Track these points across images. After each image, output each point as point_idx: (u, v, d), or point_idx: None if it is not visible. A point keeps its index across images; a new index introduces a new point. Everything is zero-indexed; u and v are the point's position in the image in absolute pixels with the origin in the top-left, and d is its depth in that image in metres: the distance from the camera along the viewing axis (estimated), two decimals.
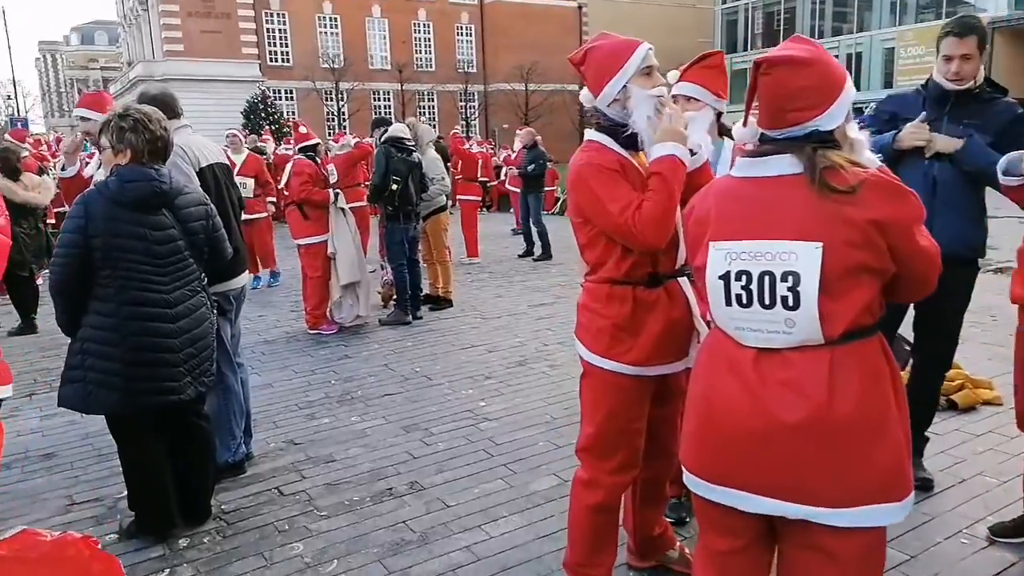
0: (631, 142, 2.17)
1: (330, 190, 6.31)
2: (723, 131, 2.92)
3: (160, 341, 2.77)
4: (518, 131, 13.50)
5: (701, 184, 2.18)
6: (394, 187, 6.14)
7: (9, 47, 21.37)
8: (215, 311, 3.07)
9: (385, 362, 5.35)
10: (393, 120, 7.01)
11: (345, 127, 39.86)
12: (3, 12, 21.88)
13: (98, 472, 3.58)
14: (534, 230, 9.89)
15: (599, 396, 2.22)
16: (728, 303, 1.62)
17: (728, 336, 1.66)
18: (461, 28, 49.40)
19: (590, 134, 2.22)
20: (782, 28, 49.27)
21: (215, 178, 3.43)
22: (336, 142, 12.80)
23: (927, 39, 40.45)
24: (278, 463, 3.64)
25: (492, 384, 4.76)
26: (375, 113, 44.41)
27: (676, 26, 60.67)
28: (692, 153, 2.22)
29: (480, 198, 10.46)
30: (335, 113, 42.04)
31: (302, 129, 6.84)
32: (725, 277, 1.61)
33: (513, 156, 13.22)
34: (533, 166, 9.67)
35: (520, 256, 10.14)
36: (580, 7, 53.77)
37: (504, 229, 13.19)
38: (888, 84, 42.21)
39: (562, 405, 4.30)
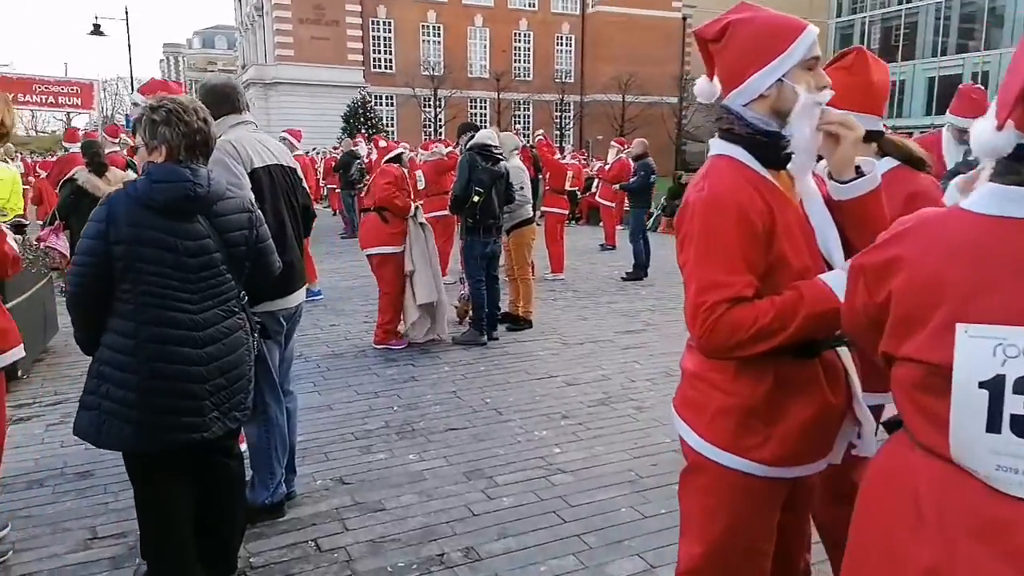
0: (775, 155, 1.58)
1: (411, 201, 5.93)
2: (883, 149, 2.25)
3: (183, 369, 2.37)
4: (613, 142, 12.91)
5: (874, 217, 1.56)
6: (476, 199, 5.70)
7: (129, 47, 22.63)
8: (255, 335, 2.66)
9: (454, 388, 4.88)
10: (482, 126, 6.55)
11: (441, 133, 40.32)
12: (127, 13, 23.13)
13: (128, 499, 3.23)
14: (631, 247, 9.25)
15: (714, 503, 1.61)
16: (994, 428, 1.00)
17: (966, 473, 1.05)
18: (561, 38, 49.20)
19: (719, 145, 1.63)
20: (901, 43, 46.45)
21: (272, 181, 3.05)
22: (425, 150, 12.60)
23: None
24: (321, 507, 3.21)
25: (569, 426, 4.19)
26: (471, 120, 44.73)
27: None
28: (859, 172, 1.61)
29: (568, 211, 9.89)
30: (432, 119, 42.57)
31: (382, 143, 6.59)
32: (995, 384, 1.00)
33: (607, 167, 12.63)
34: (635, 179, 9.02)
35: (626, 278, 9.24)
36: (684, 18, 52.36)
37: (592, 244, 12.57)
38: None
39: (650, 460, 3.69)
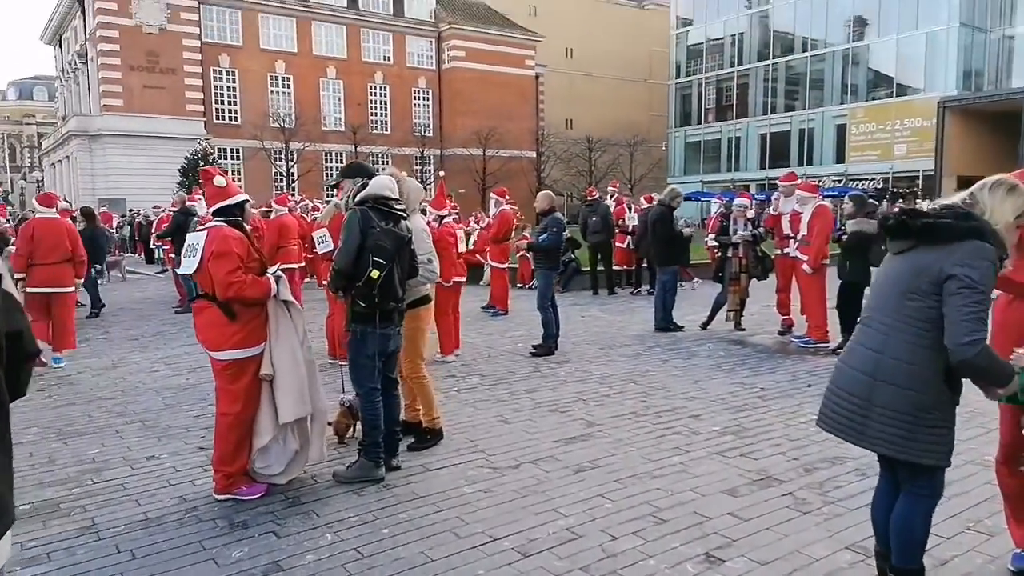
0: None
1: (270, 275, 4.03)
2: None
3: None
4: (492, 193, 11.78)
5: None
6: (375, 274, 3.94)
7: None
8: None
9: None
10: (377, 172, 4.66)
11: (294, 188, 37.80)
12: None
13: None
14: (540, 315, 7.76)
15: None
16: None
17: None
18: (418, 92, 48.65)
19: None
20: (734, 103, 49.79)
21: None
22: (283, 204, 10.82)
23: (878, 116, 40.98)
24: None
25: None
26: (326, 175, 42.40)
27: (629, 100, 61.54)
28: None
29: (464, 277, 8.26)
30: (284, 173, 39.99)
31: (217, 180, 3.96)
32: None
33: (492, 221, 11.31)
34: (546, 236, 7.57)
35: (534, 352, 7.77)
36: (537, 76, 53.55)
37: (474, 307, 10.96)
38: (840, 159, 42.69)
39: None
